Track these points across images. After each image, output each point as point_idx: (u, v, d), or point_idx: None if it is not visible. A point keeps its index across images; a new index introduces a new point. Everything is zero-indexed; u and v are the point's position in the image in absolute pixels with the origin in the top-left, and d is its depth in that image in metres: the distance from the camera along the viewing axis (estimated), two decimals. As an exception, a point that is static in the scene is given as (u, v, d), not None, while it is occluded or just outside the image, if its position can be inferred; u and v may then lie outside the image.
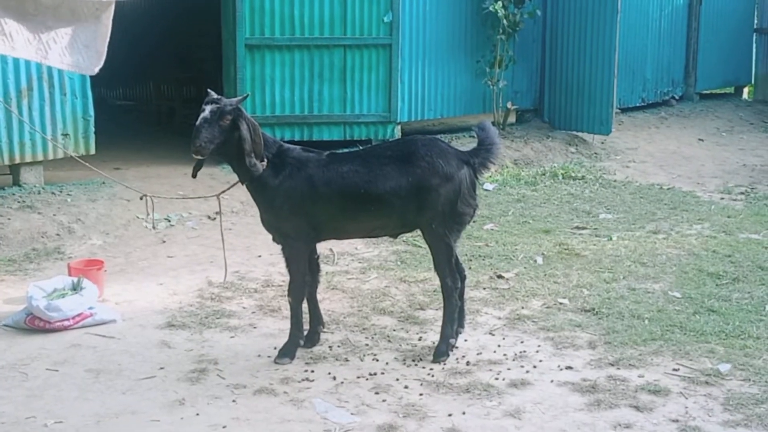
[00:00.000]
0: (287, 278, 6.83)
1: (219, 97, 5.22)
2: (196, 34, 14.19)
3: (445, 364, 5.29)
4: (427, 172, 5.19)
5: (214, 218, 8.53)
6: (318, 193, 5.23)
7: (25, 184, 8.69)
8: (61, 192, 8.66)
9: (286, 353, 5.37)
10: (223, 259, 5.96)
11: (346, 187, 5.21)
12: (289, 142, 10.67)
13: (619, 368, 5.23)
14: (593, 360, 5.35)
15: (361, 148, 6.05)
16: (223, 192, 5.78)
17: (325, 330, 5.75)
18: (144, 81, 16.88)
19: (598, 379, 5.05)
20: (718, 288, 6.65)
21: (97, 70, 5.42)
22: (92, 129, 9.03)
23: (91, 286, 6.11)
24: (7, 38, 4.94)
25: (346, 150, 6.77)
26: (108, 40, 5.37)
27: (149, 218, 7.03)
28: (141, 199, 5.79)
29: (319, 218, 5.31)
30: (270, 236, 5.58)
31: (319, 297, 6.39)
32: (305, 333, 5.57)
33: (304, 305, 5.54)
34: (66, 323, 5.80)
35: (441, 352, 5.37)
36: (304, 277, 5.43)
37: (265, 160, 5.25)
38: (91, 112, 9.00)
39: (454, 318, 5.46)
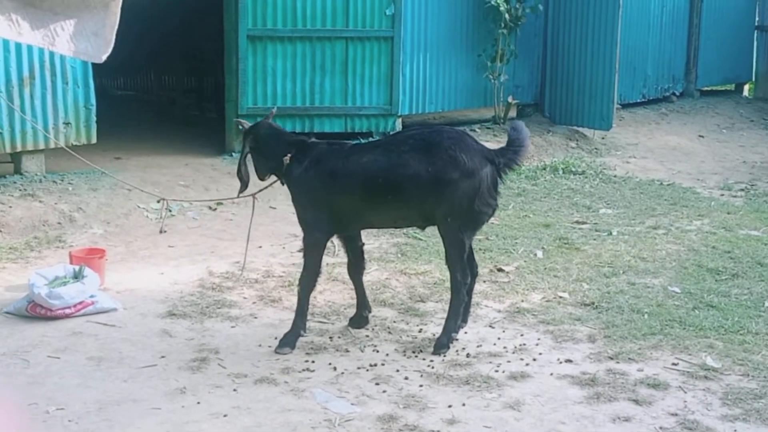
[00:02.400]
0: (288, 269, 6.90)
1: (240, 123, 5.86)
2: (198, 25, 14.19)
3: (445, 356, 5.31)
4: (448, 165, 5.13)
5: (215, 209, 8.55)
6: (338, 184, 5.31)
7: (27, 173, 8.69)
8: (62, 180, 8.66)
9: (287, 343, 5.39)
10: (245, 252, 6.25)
11: (365, 177, 5.25)
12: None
13: (618, 362, 5.25)
14: (593, 353, 5.37)
15: (385, 136, 6.22)
16: (260, 191, 5.88)
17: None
18: (145, 71, 16.88)
19: (597, 373, 5.08)
20: (717, 283, 6.67)
21: (105, 57, 5.42)
22: (94, 118, 9.02)
23: (92, 274, 6.12)
24: (13, 24, 4.95)
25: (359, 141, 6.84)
26: (116, 28, 5.38)
27: (162, 220, 7.05)
28: (158, 202, 5.88)
29: (339, 209, 5.36)
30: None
31: (319, 288, 6.43)
32: (353, 315, 5.77)
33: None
34: (67, 311, 5.81)
35: (442, 344, 5.38)
36: (317, 269, 5.49)
37: (289, 155, 5.44)
38: (93, 101, 9.00)
39: (459, 312, 5.47)
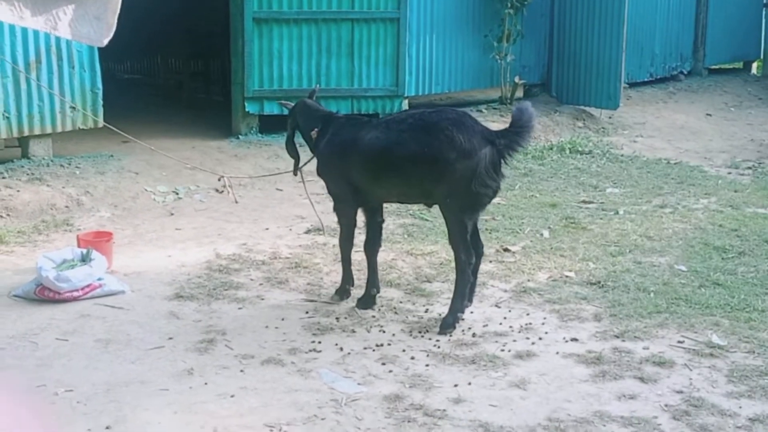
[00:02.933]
0: (294, 251, 6.93)
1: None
2: (204, 8, 14.16)
3: (451, 335, 5.32)
4: (445, 145, 5.16)
5: (222, 191, 8.56)
6: (348, 157, 5.56)
7: (34, 157, 8.72)
8: (69, 164, 8.69)
9: (364, 303, 5.77)
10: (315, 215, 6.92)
11: (368, 153, 5.44)
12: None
13: (624, 340, 5.26)
14: (598, 332, 5.39)
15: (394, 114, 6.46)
16: (304, 165, 6.20)
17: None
18: (152, 55, 16.86)
19: (603, 351, 5.09)
20: (723, 262, 6.67)
21: (106, 41, 5.44)
22: (100, 102, 9.03)
23: (100, 257, 6.15)
24: (15, 9, 4.96)
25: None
26: (118, 12, 5.39)
27: (230, 194, 7.22)
28: (219, 180, 6.62)
29: (353, 181, 5.59)
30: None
31: (326, 269, 6.48)
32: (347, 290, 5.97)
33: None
34: (75, 294, 5.85)
35: (448, 324, 5.40)
36: (350, 234, 5.80)
37: (315, 129, 5.80)
38: (100, 84, 9.01)
39: (464, 293, 5.50)
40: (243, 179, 8.71)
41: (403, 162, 5.29)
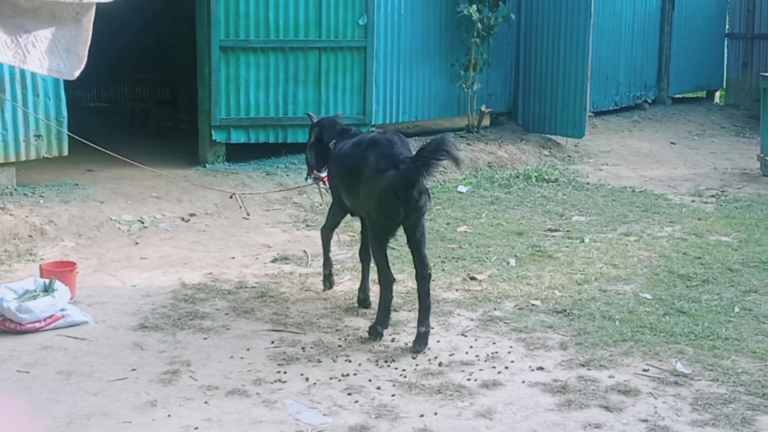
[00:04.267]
0: (261, 280, 6.89)
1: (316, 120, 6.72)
2: (170, 36, 14.16)
3: (417, 364, 5.31)
4: (361, 164, 5.66)
5: (188, 220, 8.52)
6: (333, 168, 6.33)
7: (-3, 186, 8.64)
8: (33, 193, 8.61)
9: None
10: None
11: (340, 166, 6.07)
12: (263, 144, 10.72)
13: (589, 369, 5.27)
14: (564, 361, 5.39)
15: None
16: (321, 179, 6.82)
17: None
18: (118, 83, 16.79)
19: (569, 380, 5.09)
20: (688, 289, 6.72)
21: (77, 74, 5.39)
22: (65, 130, 8.97)
23: (63, 287, 6.08)
24: (-17, 42, 4.91)
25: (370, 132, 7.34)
26: (89, 43, 5.35)
27: (243, 210, 7.31)
28: (231, 198, 7.25)
29: (339, 189, 6.22)
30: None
31: (292, 299, 6.47)
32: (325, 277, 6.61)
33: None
34: (37, 325, 5.77)
35: (375, 332, 5.79)
36: (332, 225, 6.51)
37: (332, 142, 6.35)
38: (64, 113, 8.95)
39: (388, 309, 5.79)
40: (210, 206, 8.67)
41: (348, 174, 5.91)
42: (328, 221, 6.53)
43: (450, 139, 5.34)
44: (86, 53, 5.27)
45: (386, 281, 5.74)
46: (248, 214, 7.96)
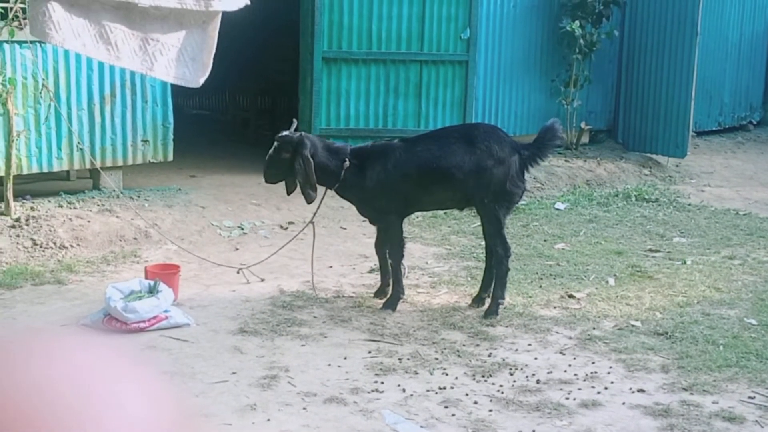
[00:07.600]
0: (357, 290, 6.93)
1: (285, 134, 6.48)
2: (273, 46, 14.38)
3: (515, 381, 5.27)
4: (485, 155, 6.18)
5: (287, 228, 8.63)
6: (402, 171, 6.29)
7: (105, 188, 8.88)
8: (138, 197, 8.84)
9: (390, 305, 6.42)
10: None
11: (422, 163, 6.26)
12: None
13: (692, 393, 5.15)
14: (666, 384, 5.29)
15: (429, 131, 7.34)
16: (314, 216, 7.03)
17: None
18: (220, 91, 17.12)
19: (671, 404, 4.99)
20: (795, 317, 6.52)
21: (202, 81, 5.50)
22: (171, 136, 9.19)
23: (167, 289, 6.21)
24: (112, 48, 5.05)
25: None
26: (213, 52, 5.44)
27: (248, 281, 7.23)
28: (237, 273, 7.06)
29: (405, 193, 6.36)
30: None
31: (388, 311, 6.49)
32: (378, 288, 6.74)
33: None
34: (142, 325, 5.91)
35: (492, 311, 6.27)
36: (400, 242, 6.51)
37: (347, 160, 6.33)
38: (171, 119, 9.17)
39: (505, 282, 6.34)
40: (308, 215, 8.76)
41: (452, 168, 6.23)
42: (395, 241, 6.46)
43: (559, 125, 6.37)
44: (211, 61, 5.37)
45: (505, 257, 6.30)
46: (249, 282, 7.68)
